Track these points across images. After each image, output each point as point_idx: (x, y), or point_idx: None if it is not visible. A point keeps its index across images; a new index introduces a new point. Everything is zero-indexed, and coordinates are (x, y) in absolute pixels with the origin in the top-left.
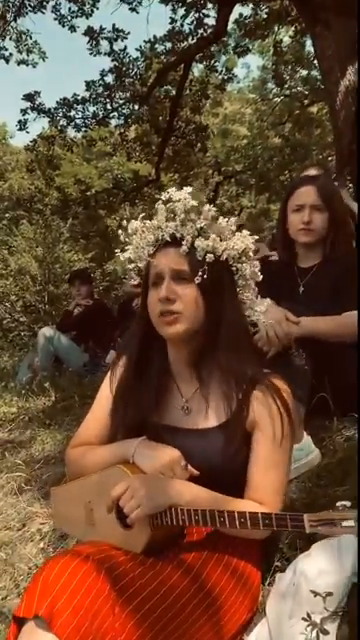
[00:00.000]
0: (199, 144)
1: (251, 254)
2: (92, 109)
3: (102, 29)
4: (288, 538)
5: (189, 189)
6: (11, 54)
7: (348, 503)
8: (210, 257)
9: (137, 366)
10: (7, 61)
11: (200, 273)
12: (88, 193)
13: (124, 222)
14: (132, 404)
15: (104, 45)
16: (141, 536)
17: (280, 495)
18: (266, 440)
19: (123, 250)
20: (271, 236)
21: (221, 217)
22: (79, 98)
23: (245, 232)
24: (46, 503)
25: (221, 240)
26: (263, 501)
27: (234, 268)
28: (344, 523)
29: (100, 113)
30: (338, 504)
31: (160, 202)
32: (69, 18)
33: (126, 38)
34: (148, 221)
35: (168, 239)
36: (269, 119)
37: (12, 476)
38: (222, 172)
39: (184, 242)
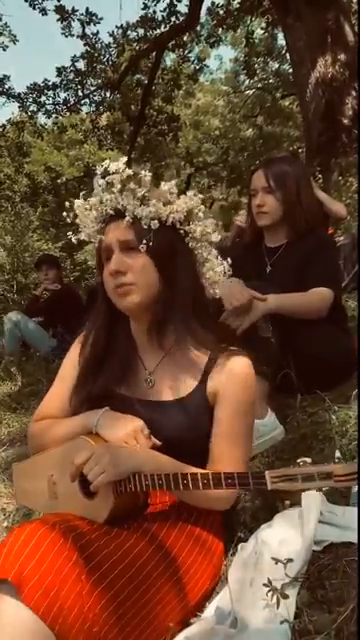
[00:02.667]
0: (171, 134)
1: (201, 215)
2: (63, 95)
3: (74, 10)
4: (251, 509)
5: (124, 159)
6: None
7: (308, 459)
8: (155, 224)
9: (103, 341)
10: None
11: (145, 241)
12: (59, 181)
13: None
14: (99, 377)
15: (76, 27)
16: (105, 505)
17: (242, 467)
18: (227, 412)
19: (75, 233)
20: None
21: (162, 182)
22: (50, 84)
23: (190, 193)
24: (10, 484)
25: (164, 205)
26: None
27: (182, 231)
28: (304, 478)
29: (71, 99)
30: (299, 460)
31: (98, 176)
32: (40, 1)
33: (99, 23)
34: (91, 198)
35: (112, 212)
36: (241, 111)
37: None
38: (194, 164)
39: (127, 212)
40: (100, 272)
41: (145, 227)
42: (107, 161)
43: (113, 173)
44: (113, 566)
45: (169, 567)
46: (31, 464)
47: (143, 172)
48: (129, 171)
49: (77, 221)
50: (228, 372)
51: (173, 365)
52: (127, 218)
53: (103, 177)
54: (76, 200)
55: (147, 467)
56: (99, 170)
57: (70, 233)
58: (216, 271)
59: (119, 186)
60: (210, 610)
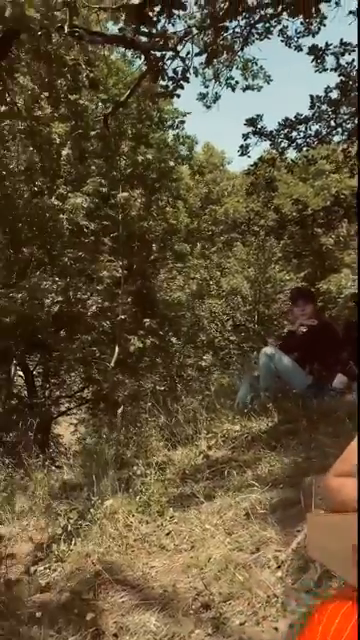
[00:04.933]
0: None
1: None
2: (315, 127)
3: (328, 46)
4: None
5: None
6: (237, 82)
7: None
8: None
9: None
10: (233, 89)
11: None
12: (305, 213)
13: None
14: None
15: (329, 61)
16: None
17: None
18: None
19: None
20: None
21: None
22: (301, 117)
23: None
24: (281, 529)
25: None
26: None
27: None
28: None
29: (323, 131)
30: None
31: None
32: (295, 39)
33: (354, 51)
34: None
35: None
36: None
37: (242, 497)
38: None
39: None
40: None
41: None
42: None
43: None
44: None
45: None
46: (331, 522)
47: None
48: None
49: None
50: None
51: None
52: None
53: None
54: None
55: None
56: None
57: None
58: None
59: None
60: None
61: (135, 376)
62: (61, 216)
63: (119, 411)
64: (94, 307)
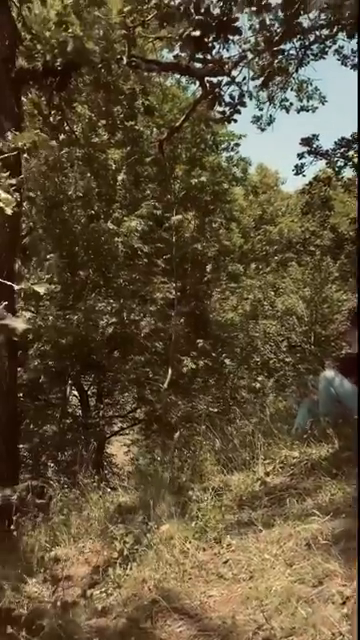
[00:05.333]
0: None
1: None
2: None
3: None
4: None
5: None
6: (291, 103)
7: None
8: None
9: None
10: (287, 111)
11: None
12: None
13: None
14: None
15: None
16: None
17: None
18: None
19: None
20: None
21: None
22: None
23: None
24: (345, 562)
25: None
26: None
27: None
28: None
29: None
30: None
31: None
32: (352, 58)
33: None
34: None
35: None
36: None
37: (303, 526)
38: None
39: None
40: None
41: None
42: None
43: None
44: None
45: None
46: None
47: None
48: None
49: None
50: None
51: None
52: None
53: None
54: None
55: None
56: None
57: None
58: None
59: None
60: None
61: (188, 397)
62: (116, 239)
63: (175, 435)
64: (147, 328)
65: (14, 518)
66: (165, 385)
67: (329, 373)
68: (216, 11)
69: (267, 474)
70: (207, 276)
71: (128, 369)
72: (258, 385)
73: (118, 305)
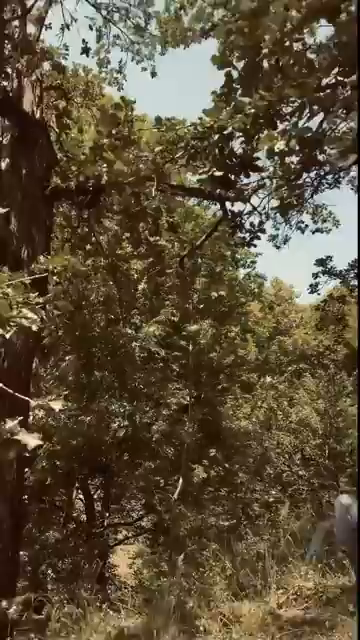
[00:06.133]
0: None
1: None
2: None
3: None
4: None
5: None
6: (307, 225)
7: None
8: None
9: None
10: (302, 232)
11: None
12: None
13: None
14: None
15: None
16: None
17: None
18: None
19: None
20: None
21: None
22: None
23: None
24: None
25: None
26: None
27: None
28: None
29: None
30: None
31: None
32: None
33: None
34: None
35: None
36: None
37: None
38: None
39: None
40: None
41: None
42: None
43: None
44: None
45: None
46: None
47: None
48: None
49: None
50: None
51: None
52: None
53: None
54: None
55: None
56: None
57: None
58: None
59: None
60: None
61: (197, 508)
62: (134, 343)
63: (180, 557)
64: (159, 433)
65: (9, 638)
66: (175, 495)
67: (346, 500)
68: (239, 150)
69: (280, 605)
70: (221, 384)
71: (138, 475)
72: (271, 499)
73: (131, 408)
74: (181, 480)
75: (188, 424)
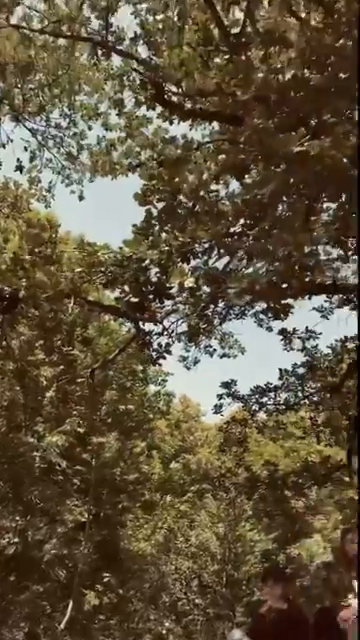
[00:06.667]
0: None
1: None
2: (284, 396)
3: (295, 330)
4: None
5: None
6: (215, 349)
7: None
8: None
9: None
10: (211, 355)
11: None
12: (275, 474)
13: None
14: None
15: (297, 343)
16: None
17: None
18: None
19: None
20: None
21: None
22: (272, 386)
23: None
24: None
25: None
26: None
27: None
28: None
29: (291, 400)
30: None
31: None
32: (267, 321)
33: (318, 338)
34: None
35: None
36: None
37: None
38: None
39: None
40: None
41: None
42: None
43: None
44: None
45: None
46: None
47: None
48: None
49: None
50: None
51: None
52: None
53: None
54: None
55: None
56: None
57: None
58: None
59: None
60: None
61: (86, 638)
62: (35, 453)
63: None
64: (51, 553)
65: None
66: (62, 625)
67: (237, 634)
68: (154, 278)
69: None
70: (122, 503)
71: (23, 600)
72: (164, 631)
73: (24, 523)
74: (70, 606)
75: (84, 544)
